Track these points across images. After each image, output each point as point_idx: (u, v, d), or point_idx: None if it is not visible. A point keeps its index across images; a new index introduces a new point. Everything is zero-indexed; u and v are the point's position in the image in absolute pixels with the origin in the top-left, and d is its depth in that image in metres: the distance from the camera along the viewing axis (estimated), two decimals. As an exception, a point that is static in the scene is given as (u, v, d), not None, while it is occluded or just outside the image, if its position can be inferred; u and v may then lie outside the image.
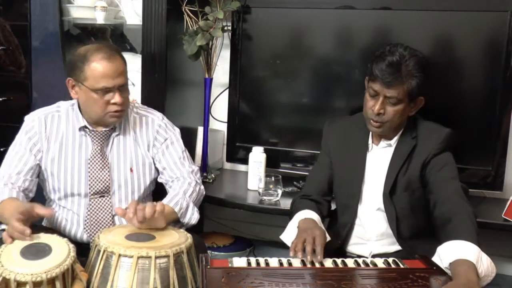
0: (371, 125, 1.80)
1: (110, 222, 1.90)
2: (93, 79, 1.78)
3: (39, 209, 1.62)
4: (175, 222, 1.85)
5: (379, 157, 1.87)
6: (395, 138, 1.85)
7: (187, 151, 2.04)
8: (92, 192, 1.89)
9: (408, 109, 1.78)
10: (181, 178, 1.95)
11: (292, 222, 1.79)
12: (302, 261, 1.59)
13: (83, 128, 1.90)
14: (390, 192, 1.82)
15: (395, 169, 1.82)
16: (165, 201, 1.84)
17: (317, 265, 1.57)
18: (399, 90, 1.72)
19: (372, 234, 1.88)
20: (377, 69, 1.73)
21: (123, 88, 1.82)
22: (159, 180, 2.01)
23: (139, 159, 1.95)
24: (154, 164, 1.98)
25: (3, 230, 1.64)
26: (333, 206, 2.01)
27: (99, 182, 1.89)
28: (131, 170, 1.93)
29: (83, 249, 1.71)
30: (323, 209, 1.90)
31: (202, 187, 2.00)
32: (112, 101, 1.80)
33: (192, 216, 1.87)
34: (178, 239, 1.66)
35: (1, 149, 2.46)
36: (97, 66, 1.78)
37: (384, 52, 1.76)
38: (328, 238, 1.73)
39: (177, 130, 2.03)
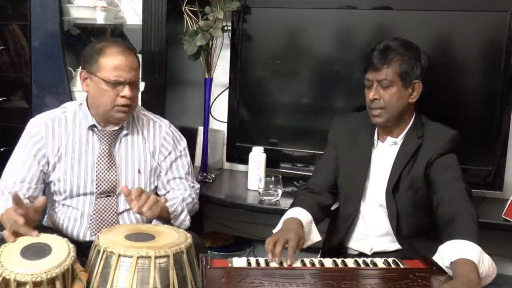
0: (372, 115, 1.84)
1: (115, 222, 1.90)
2: (107, 70, 1.81)
3: (32, 205, 1.60)
4: (165, 222, 1.86)
5: (385, 155, 1.88)
6: (401, 136, 1.86)
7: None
8: (98, 192, 1.89)
9: (405, 94, 1.81)
10: (182, 189, 1.99)
11: (283, 218, 1.80)
12: (302, 261, 1.59)
13: (91, 128, 1.90)
14: (393, 190, 1.83)
15: (399, 167, 1.83)
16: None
17: (317, 265, 1.57)
18: (387, 71, 1.78)
19: (373, 230, 1.89)
20: (367, 60, 1.83)
21: (133, 85, 1.84)
22: (158, 191, 2.02)
23: (147, 160, 1.96)
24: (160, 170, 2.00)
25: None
26: (334, 206, 2.02)
27: (106, 182, 1.89)
28: (139, 171, 1.94)
29: (84, 248, 1.71)
30: (326, 200, 1.92)
31: (198, 203, 2.06)
32: (122, 94, 1.81)
33: (184, 222, 1.91)
34: (178, 239, 1.66)
35: (1, 149, 2.47)
36: (112, 58, 1.81)
37: (374, 46, 1.86)
38: (315, 240, 1.77)
39: (184, 141, 2.04)
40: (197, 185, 2.07)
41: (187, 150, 2.03)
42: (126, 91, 1.81)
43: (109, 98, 1.82)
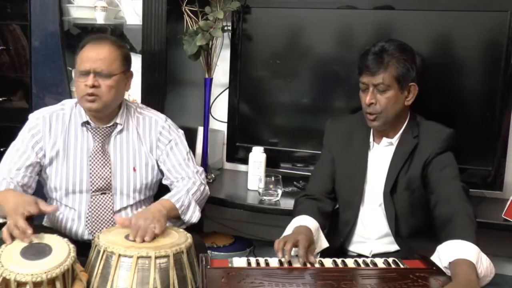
0: (368, 119, 1.83)
1: (112, 219, 1.90)
2: (79, 61, 1.86)
3: (43, 206, 1.62)
4: (176, 219, 1.86)
5: (381, 156, 1.88)
6: (396, 136, 1.85)
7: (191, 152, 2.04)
8: (93, 189, 1.89)
9: (401, 97, 1.80)
10: (186, 178, 1.96)
11: (290, 226, 1.78)
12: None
13: (85, 124, 1.92)
14: (391, 191, 1.82)
15: (396, 168, 1.83)
16: (167, 196, 1.85)
17: (317, 265, 1.57)
18: (384, 75, 1.76)
19: (372, 233, 1.89)
20: (362, 63, 1.80)
21: (101, 75, 1.82)
22: (164, 181, 2.01)
23: (142, 158, 1.95)
24: (158, 166, 1.98)
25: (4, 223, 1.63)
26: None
27: (100, 179, 1.89)
28: (134, 169, 1.94)
29: (83, 248, 1.71)
30: (326, 207, 1.90)
31: (207, 187, 2.01)
32: (85, 83, 1.82)
33: (193, 215, 1.88)
34: (178, 239, 1.66)
35: (1, 149, 2.47)
36: (84, 49, 1.84)
37: (368, 48, 1.83)
38: (324, 246, 1.76)
39: (181, 132, 2.04)
40: (201, 169, 2.02)
41: (183, 138, 2.02)
42: (88, 79, 1.82)
43: (79, 87, 1.85)
